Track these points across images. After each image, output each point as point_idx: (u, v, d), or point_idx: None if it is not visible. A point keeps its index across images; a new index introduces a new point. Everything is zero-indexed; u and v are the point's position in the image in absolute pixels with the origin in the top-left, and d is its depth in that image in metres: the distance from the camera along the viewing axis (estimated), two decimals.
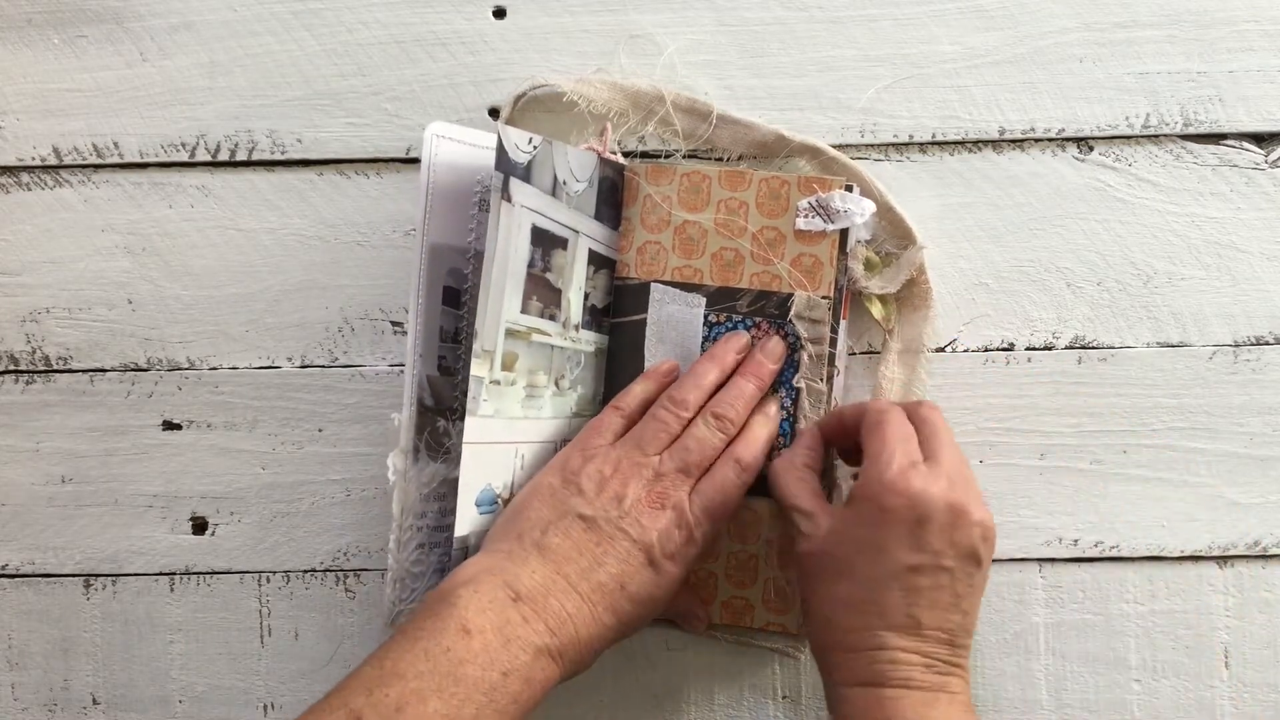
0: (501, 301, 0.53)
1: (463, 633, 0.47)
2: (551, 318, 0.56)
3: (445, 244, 0.55)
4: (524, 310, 0.54)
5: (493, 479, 0.54)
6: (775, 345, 0.57)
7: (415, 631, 0.47)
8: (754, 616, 0.59)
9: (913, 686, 0.49)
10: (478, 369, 0.52)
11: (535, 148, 0.54)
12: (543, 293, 0.55)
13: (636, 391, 0.57)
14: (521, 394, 0.55)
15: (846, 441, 0.56)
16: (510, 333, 0.54)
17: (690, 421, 0.55)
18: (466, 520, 0.53)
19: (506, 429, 0.55)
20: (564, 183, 0.56)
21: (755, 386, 0.56)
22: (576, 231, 0.57)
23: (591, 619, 0.50)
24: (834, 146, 0.60)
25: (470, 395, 0.52)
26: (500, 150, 0.52)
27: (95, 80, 0.63)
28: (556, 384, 0.57)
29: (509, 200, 0.52)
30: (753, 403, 0.56)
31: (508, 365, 0.54)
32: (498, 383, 0.53)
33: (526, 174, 0.53)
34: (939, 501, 0.49)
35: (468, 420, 0.52)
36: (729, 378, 0.57)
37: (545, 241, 0.55)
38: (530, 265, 0.54)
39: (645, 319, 0.59)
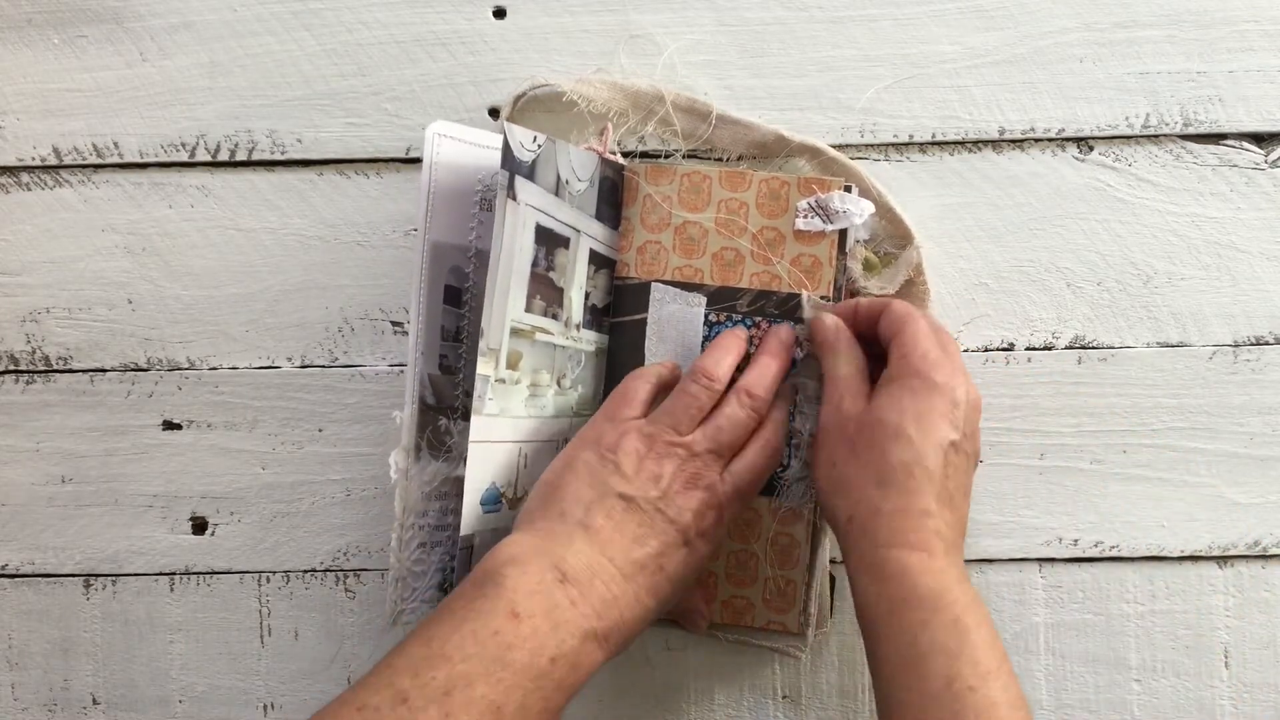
0: (506, 300, 0.53)
1: (511, 616, 0.47)
2: (554, 317, 0.56)
3: (446, 243, 0.55)
4: (528, 309, 0.54)
5: (497, 477, 0.54)
6: (786, 330, 0.57)
7: (463, 611, 0.47)
8: (754, 616, 0.59)
9: (951, 559, 0.49)
10: (483, 368, 0.52)
11: (539, 146, 0.54)
12: (546, 292, 0.55)
13: (654, 369, 0.57)
14: (525, 393, 0.55)
15: (858, 332, 0.56)
16: (515, 331, 0.54)
17: (721, 398, 0.55)
18: (471, 519, 0.53)
19: (511, 428, 0.55)
20: (566, 182, 0.56)
21: (780, 365, 0.56)
22: (578, 231, 0.57)
23: (635, 600, 0.50)
24: (834, 146, 0.60)
25: (476, 394, 0.52)
26: (506, 149, 0.51)
27: (95, 80, 0.63)
28: (558, 383, 0.57)
29: (514, 199, 0.52)
30: (778, 382, 0.56)
31: (512, 364, 0.54)
32: (503, 381, 0.53)
33: (531, 172, 0.53)
34: (966, 390, 0.52)
35: (473, 419, 0.52)
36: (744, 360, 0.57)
37: (548, 240, 0.55)
38: (534, 264, 0.54)
39: (645, 318, 0.59)
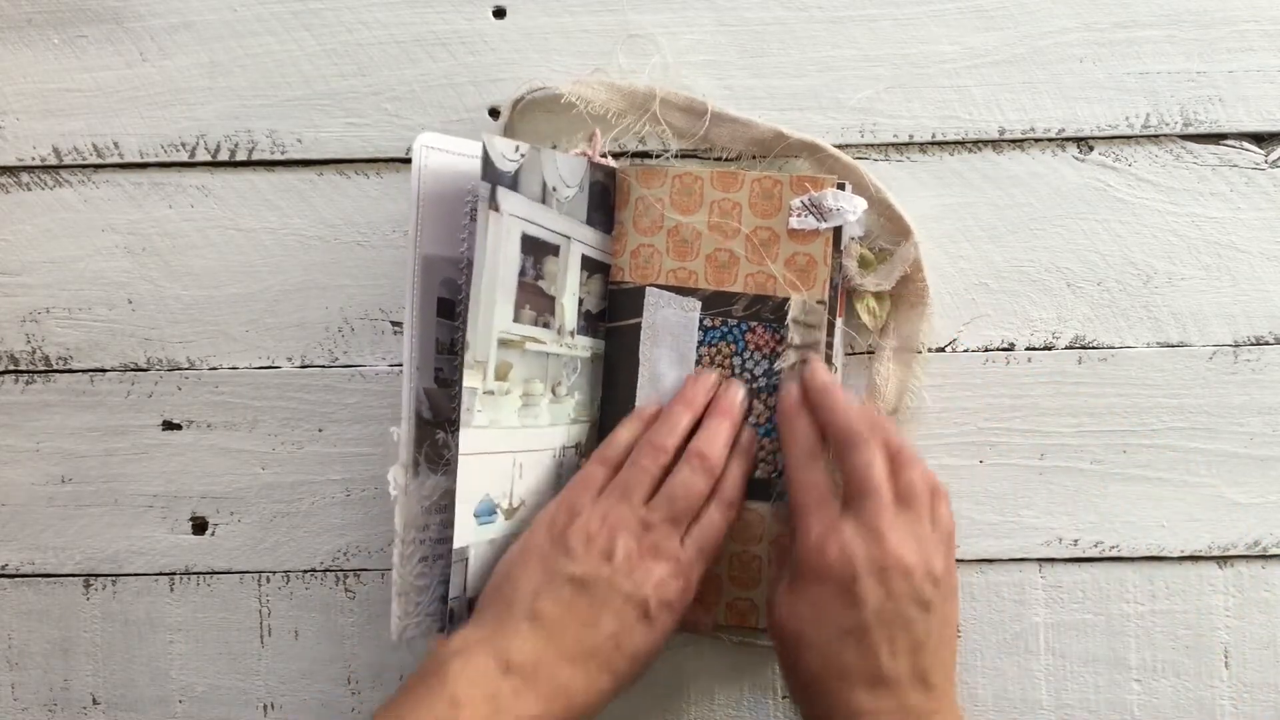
0: (493, 311, 0.53)
1: (452, 705, 0.47)
2: (545, 325, 0.56)
3: (438, 255, 0.54)
4: (516, 319, 0.54)
5: (491, 489, 0.54)
6: (737, 387, 0.57)
7: (409, 701, 0.48)
8: (758, 617, 0.59)
9: None
10: (470, 380, 0.52)
11: (523, 156, 0.53)
12: (535, 301, 0.55)
13: (620, 439, 0.57)
14: (517, 403, 0.55)
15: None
16: (503, 342, 0.53)
17: (670, 466, 0.55)
18: (465, 531, 0.53)
19: (503, 439, 0.54)
20: (554, 189, 0.55)
21: (730, 423, 0.56)
22: (568, 238, 0.57)
23: (585, 684, 0.50)
24: (834, 146, 0.60)
25: (464, 407, 0.52)
26: (486, 160, 0.51)
27: (95, 80, 0.63)
28: (553, 391, 0.57)
29: (497, 210, 0.52)
30: (730, 440, 0.56)
31: (501, 375, 0.53)
32: (492, 393, 0.53)
33: (514, 182, 0.53)
34: (863, 563, 0.50)
35: (462, 432, 0.52)
36: (702, 417, 0.57)
37: (536, 249, 0.55)
38: (521, 274, 0.54)
39: (640, 323, 0.59)
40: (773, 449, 0.58)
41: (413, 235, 0.53)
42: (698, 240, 0.59)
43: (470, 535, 0.53)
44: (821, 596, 0.50)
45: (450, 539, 0.53)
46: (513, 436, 0.55)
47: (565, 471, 0.58)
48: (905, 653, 0.50)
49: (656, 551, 0.53)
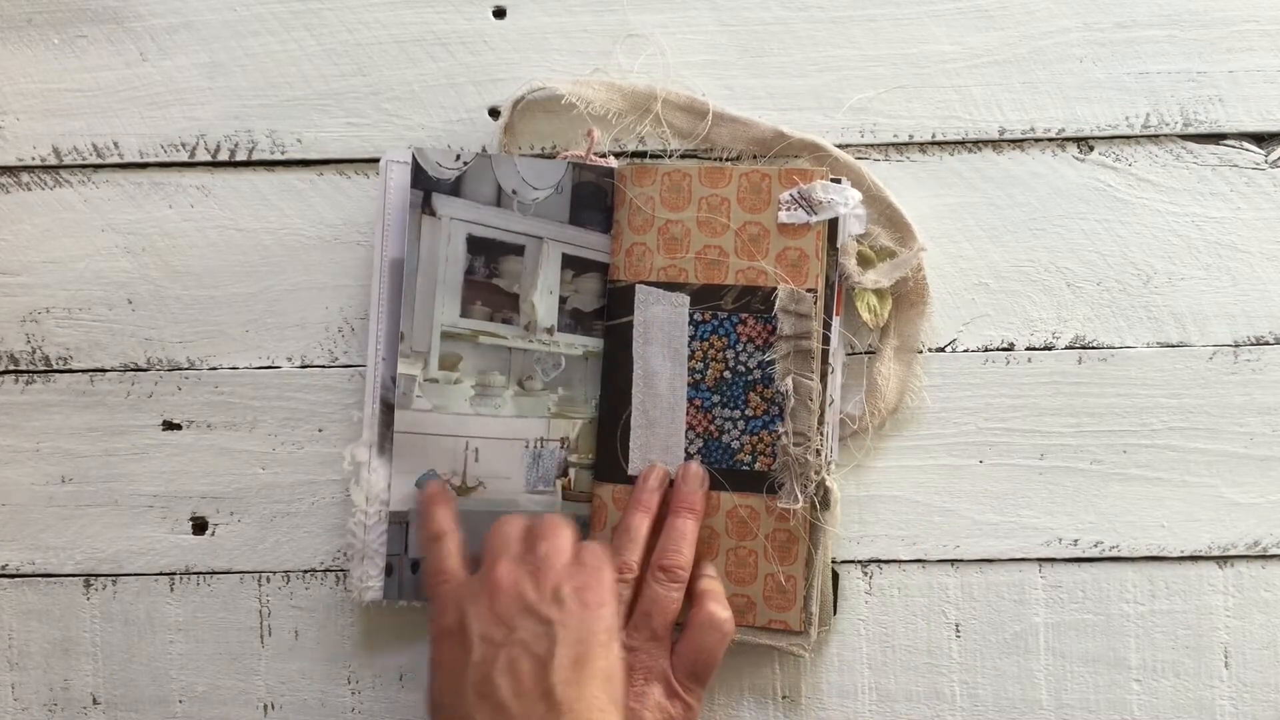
0: (431, 307, 0.58)
1: None
2: (506, 321, 0.58)
3: (403, 257, 0.58)
4: (465, 315, 0.58)
5: (438, 465, 0.58)
6: (694, 470, 0.58)
7: None
8: (756, 615, 0.58)
9: None
10: (407, 368, 0.57)
11: (465, 164, 0.58)
12: (490, 298, 0.58)
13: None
14: (469, 392, 0.58)
15: None
16: (450, 335, 0.58)
17: (640, 579, 0.55)
18: (403, 497, 0.58)
19: (452, 423, 0.58)
20: (513, 192, 0.58)
21: (693, 520, 0.57)
22: (539, 238, 0.58)
23: None
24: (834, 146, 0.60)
25: (400, 391, 0.58)
26: (416, 169, 0.57)
27: (95, 80, 0.63)
28: (520, 384, 0.59)
29: (433, 214, 0.57)
30: (694, 537, 0.56)
31: (449, 365, 0.58)
32: (435, 380, 0.58)
33: (455, 188, 0.58)
34: (470, 599, 0.51)
35: (397, 413, 0.58)
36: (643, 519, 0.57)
37: (489, 249, 0.58)
38: (470, 272, 0.58)
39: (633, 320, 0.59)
40: (771, 441, 0.58)
41: (378, 241, 0.59)
42: (687, 237, 0.59)
43: (410, 501, 0.58)
44: (445, 656, 0.50)
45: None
46: (464, 422, 0.58)
47: (544, 463, 0.59)
48: (529, 673, 0.48)
49: (648, 674, 0.54)
